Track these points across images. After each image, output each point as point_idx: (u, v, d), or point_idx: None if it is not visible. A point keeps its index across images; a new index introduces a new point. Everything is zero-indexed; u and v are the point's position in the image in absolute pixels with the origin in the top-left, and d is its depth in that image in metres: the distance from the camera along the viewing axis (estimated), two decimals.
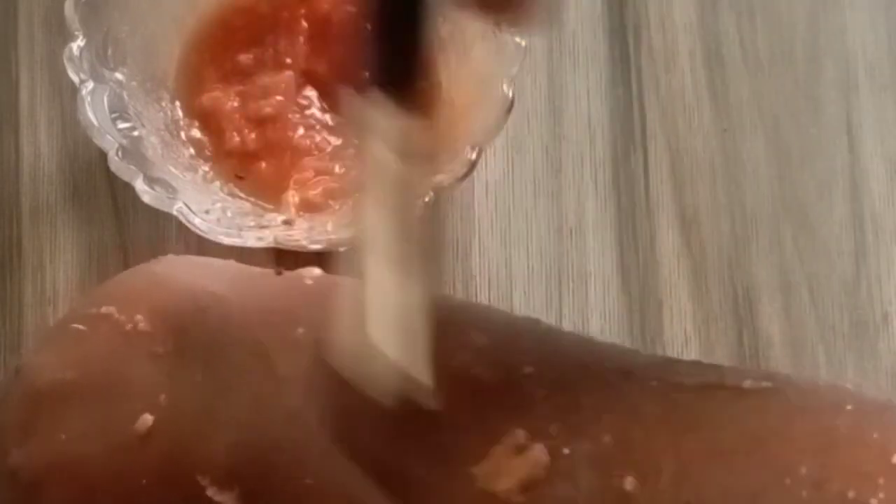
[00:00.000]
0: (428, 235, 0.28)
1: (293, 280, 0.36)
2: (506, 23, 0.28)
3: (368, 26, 0.28)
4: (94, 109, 0.38)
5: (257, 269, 0.37)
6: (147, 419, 0.32)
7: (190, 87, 0.42)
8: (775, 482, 0.29)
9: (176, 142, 0.41)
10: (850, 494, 0.28)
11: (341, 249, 0.38)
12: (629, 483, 0.29)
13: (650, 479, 0.29)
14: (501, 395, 0.31)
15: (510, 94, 0.38)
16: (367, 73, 0.28)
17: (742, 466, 0.29)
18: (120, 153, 0.38)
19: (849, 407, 0.31)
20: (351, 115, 0.28)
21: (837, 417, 0.30)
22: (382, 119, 0.27)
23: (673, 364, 0.35)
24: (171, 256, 0.38)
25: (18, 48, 0.44)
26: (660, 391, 0.32)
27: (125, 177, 0.38)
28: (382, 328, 0.27)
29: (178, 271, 0.36)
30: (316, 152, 0.41)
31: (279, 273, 0.36)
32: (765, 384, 0.32)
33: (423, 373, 0.27)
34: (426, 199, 0.38)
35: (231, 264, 0.38)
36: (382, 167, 0.27)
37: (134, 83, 0.40)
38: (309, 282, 0.35)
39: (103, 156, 0.38)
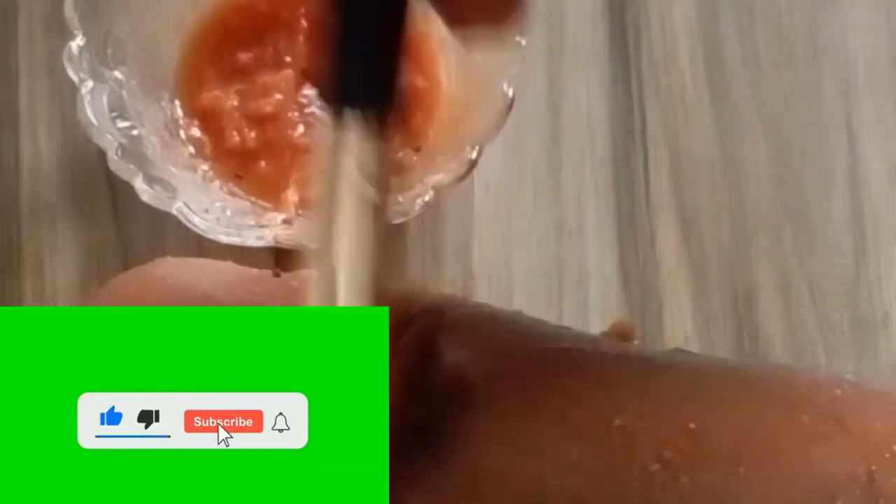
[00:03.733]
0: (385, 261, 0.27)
1: (291, 281, 0.36)
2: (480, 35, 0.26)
3: (332, 31, 0.25)
4: (93, 108, 0.38)
5: (255, 271, 0.37)
6: None
7: (190, 86, 0.42)
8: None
9: (175, 141, 0.41)
10: None
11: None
12: None
13: None
14: None
15: (510, 94, 0.38)
16: (332, 85, 0.26)
17: None
18: (119, 152, 0.38)
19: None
20: (319, 128, 0.27)
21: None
22: (353, 136, 0.25)
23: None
24: (169, 259, 0.38)
25: (18, 47, 0.44)
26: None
27: (125, 176, 0.38)
28: None
29: (177, 274, 0.36)
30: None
31: (277, 275, 0.36)
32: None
33: None
34: (426, 199, 0.38)
35: (229, 266, 0.38)
36: (349, 185, 0.26)
37: (133, 82, 0.40)
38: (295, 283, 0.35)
39: (103, 155, 0.38)
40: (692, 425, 0.30)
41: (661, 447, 0.30)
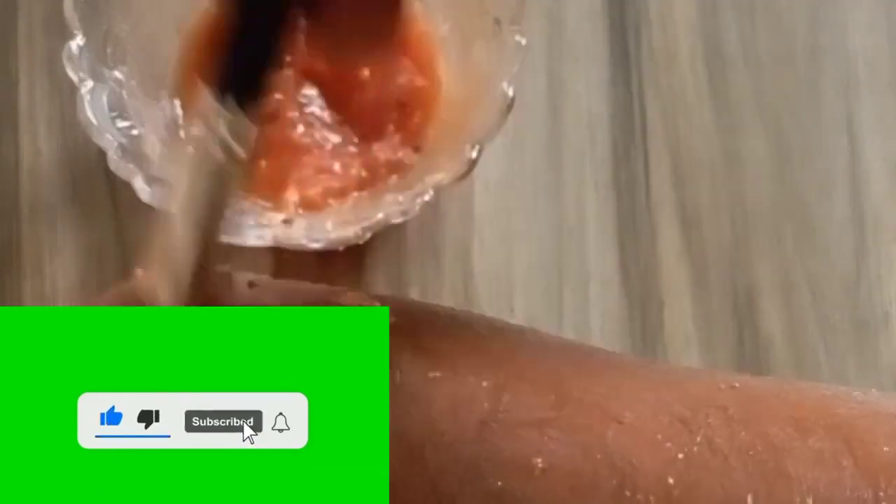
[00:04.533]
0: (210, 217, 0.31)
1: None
2: None
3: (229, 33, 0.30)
4: (93, 108, 0.38)
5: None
6: None
7: (190, 86, 0.42)
8: None
9: (176, 141, 0.41)
10: None
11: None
12: None
13: None
14: None
15: (510, 93, 0.38)
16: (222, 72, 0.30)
17: None
18: (119, 152, 0.38)
19: None
20: (199, 103, 0.30)
21: None
22: (222, 113, 0.30)
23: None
24: None
25: (17, 47, 0.44)
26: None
27: (124, 176, 0.38)
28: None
29: None
30: (316, 150, 0.41)
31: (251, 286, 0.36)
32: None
33: None
34: (426, 199, 0.38)
35: None
36: (205, 151, 0.30)
37: (133, 82, 0.40)
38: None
39: (102, 155, 0.38)
40: (699, 438, 0.30)
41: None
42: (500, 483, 0.29)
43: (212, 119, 0.30)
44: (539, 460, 0.30)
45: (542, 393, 0.31)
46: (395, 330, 0.29)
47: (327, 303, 0.34)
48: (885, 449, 0.29)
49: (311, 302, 0.34)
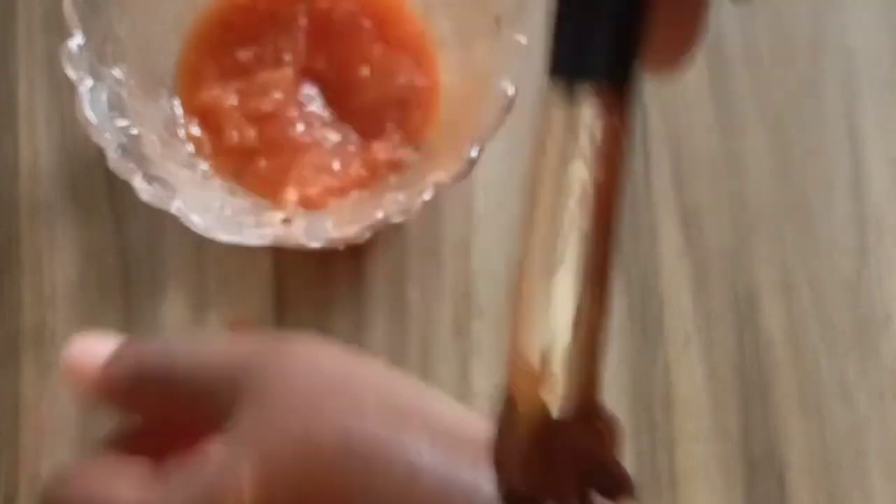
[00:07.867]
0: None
1: None
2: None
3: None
4: (92, 107, 0.38)
5: None
6: None
7: (189, 85, 0.42)
8: None
9: (175, 140, 0.41)
10: None
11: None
12: None
13: None
14: None
15: (510, 92, 0.38)
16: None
17: None
18: (119, 151, 0.38)
19: None
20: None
21: None
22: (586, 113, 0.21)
23: None
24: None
25: (17, 46, 0.44)
26: None
27: (124, 175, 0.38)
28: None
29: None
30: (315, 149, 0.41)
31: None
32: None
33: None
34: (426, 198, 0.38)
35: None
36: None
37: (133, 81, 0.40)
38: None
39: (102, 154, 0.38)
40: None
41: None
42: None
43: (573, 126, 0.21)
44: None
45: None
46: None
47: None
48: None
49: None
